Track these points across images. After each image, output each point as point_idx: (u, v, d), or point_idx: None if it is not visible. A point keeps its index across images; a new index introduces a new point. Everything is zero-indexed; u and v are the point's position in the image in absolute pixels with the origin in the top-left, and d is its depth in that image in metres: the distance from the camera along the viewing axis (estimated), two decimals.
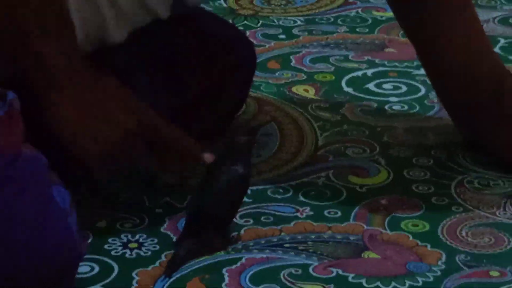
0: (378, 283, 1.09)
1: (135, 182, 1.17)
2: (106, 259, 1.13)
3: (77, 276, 1.05)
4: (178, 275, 1.10)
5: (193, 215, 1.13)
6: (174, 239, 1.17)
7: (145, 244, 1.16)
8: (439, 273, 1.11)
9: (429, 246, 1.16)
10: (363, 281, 1.09)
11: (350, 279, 1.10)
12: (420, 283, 1.09)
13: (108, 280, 1.09)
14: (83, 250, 1.02)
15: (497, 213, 1.23)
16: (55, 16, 1.05)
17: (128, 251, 1.14)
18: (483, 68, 1.32)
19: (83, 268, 1.10)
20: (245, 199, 1.24)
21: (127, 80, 1.21)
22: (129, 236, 1.17)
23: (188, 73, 1.33)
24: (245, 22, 1.77)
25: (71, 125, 1.06)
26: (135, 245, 1.16)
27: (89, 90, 1.08)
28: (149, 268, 1.11)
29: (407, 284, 1.09)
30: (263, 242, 1.13)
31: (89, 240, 1.15)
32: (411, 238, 1.18)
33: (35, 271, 0.93)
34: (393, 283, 1.09)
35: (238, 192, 1.12)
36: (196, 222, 1.13)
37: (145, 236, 1.17)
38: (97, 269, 1.10)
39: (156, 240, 1.16)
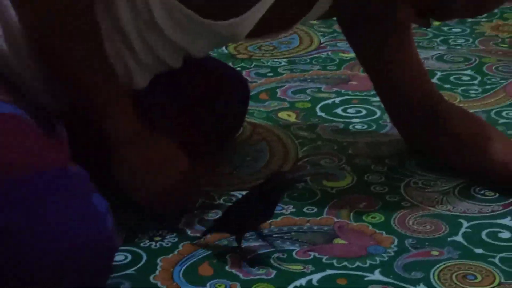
0: (346, 263, 1.09)
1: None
2: (136, 249, 1.12)
3: (114, 263, 1.05)
4: (191, 261, 1.11)
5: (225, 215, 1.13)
6: (189, 233, 1.17)
7: (167, 237, 1.15)
8: (392, 253, 1.11)
9: (384, 233, 1.16)
10: (334, 261, 1.09)
11: (324, 260, 1.10)
12: (378, 262, 1.09)
13: (138, 266, 1.09)
14: (118, 243, 1.02)
15: (436, 206, 1.23)
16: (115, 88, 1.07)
17: (153, 243, 1.14)
18: (422, 93, 1.33)
19: (119, 257, 1.09)
20: None
21: (145, 115, 1.21)
22: (154, 232, 1.17)
23: (197, 105, 1.33)
24: (242, 64, 1.76)
25: (135, 177, 1.08)
26: (159, 238, 1.15)
27: (147, 148, 1.10)
28: (170, 256, 1.11)
29: (367, 263, 1.09)
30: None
31: (123, 236, 1.13)
32: (370, 227, 1.18)
33: (81, 258, 0.93)
34: (357, 262, 1.09)
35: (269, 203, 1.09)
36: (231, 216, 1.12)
37: (166, 231, 1.17)
38: (129, 257, 1.10)
39: (175, 234, 1.16)
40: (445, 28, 1.94)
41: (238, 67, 1.72)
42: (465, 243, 1.14)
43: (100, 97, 1.04)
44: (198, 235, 1.16)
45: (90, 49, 1.03)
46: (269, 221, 1.14)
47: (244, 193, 1.25)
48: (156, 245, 1.14)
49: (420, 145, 1.37)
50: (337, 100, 1.61)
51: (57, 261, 0.91)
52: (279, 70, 1.76)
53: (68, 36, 1.01)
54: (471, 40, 1.90)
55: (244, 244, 1.11)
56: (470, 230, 1.17)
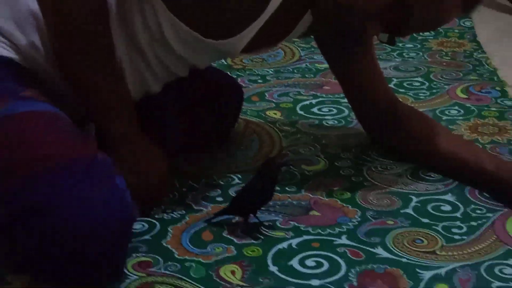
0: (319, 230, 1.09)
1: None
2: (151, 220, 1.12)
3: (133, 230, 1.05)
4: (195, 229, 1.10)
5: (238, 199, 1.12)
6: (194, 206, 1.16)
7: (176, 210, 1.15)
8: (356, 223, 1.11)
9: (350, 206, 1.16)
10: (310, 229, 1.09)
11: (301, 228, 1.10)
12: (345, 229, 1.09)
13: (153, 233, 1.09)
14: (135, 214, 1.02)
15: (391, 185, 1.23)
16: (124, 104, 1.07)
17: (165, 215, 1.13)
18: (382, 96, 1.32)
19: (137, 226, 1.09)
20: (237, 180, 1.25)
21: (158, 115, 1.23)
22: (166, 205, 1.16)
23: (200, 104, 1.33)
24: (237, 72, 1.76)
25: (128, 175, 1.06)
26: (170, 211, 1.15)
27: (137, 153, 1.09)
28: (178, 225, 1.11)
29: (336, 230, 1.09)
30: None
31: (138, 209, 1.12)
32: (339, 202, 1.18)
33: (109, 226, 0.92)
34: (328, 230, 1.09)
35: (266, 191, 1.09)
36: (239, 203, 1.11)
37: (176, 205, 1.16)
38: (146, 226, 1.10)
39: (183, 207, 1.15)
40: (400, 44, 1.94)
41: (234, 75, 1.72)
42: (414, 215, 1.14)
43: (103, 102, 1.04)
44: (202, 208, 1.16)
45: (101, 59, 1.02)
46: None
47: (239, 175, 1.26)
48: (167, 216, 1.13)
49: (380, 137, 1.37)
50: (314, 101, 1.61)
51: (91, 228, 0.91)
52: (267, 77, 1.75)
53: (84, 51, 1.01)
54: (421, 53, 1.90)
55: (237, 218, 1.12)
56: (419, 204, 1.17)
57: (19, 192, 0.92)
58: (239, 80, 1.68)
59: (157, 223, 1.11)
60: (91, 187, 0.93)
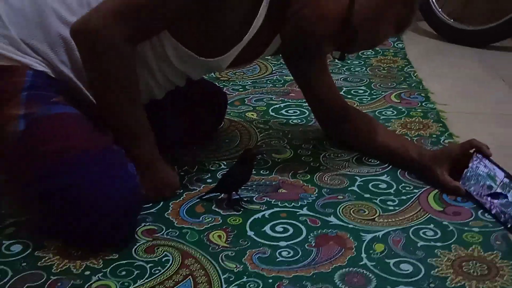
0: (286, 204, 1.10)
1: None
2: None
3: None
4: (190, 204, 1.11)
5: (223, 180, 1.12)
6: (190, 187, 1.16)
7: None
8: (314, 198, 1.13)
9: (309, 185, 1.17)
10: (279, 203, 1.11)
11: (272, 202, 1.11)
12: (305, 203, 1.11)
13: (157, 207, 1.09)
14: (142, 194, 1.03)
15: (341, 169, 1.24)
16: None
17: None
18: (335, 101, 1.33)
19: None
20: (223, 166, 1.25)
21: (161, 115, 1.24)
22: None
23: (193, 108, 1.33)
24: (224, 83, 1.76)
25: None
26: None
27: (156, 174, 1.10)
28: (177, 200, 1.11)
29: (299, 204, 1.10)
30: None
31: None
32: (301, 182, 1.19)
33: (124, 204, 0.94)
34: (293, 203, 1.10)
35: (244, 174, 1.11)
36: (224, 183, 1.11)
37: None
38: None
39: (181, 187, 1.16)
40: (348, 61, 1.95)
41: (221, 85, 1.71)
42: (359, 191, 1.15)
43: (132, 135, 1.06)
44: (195, 188, 1.16)
45: (131, 100, 1.04)
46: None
47: (224, 162, 1.26)
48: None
49: (332, 132, 1.38)
50: (282, 105, 1.61)
51: (109, 201, 0.93)
52: (247, 87, 1.75)
53: (119, 97, 1.03)
54: (364, 68, 1.91)
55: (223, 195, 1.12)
56: (362, 183, 1.18)
57: (54, 173, 0.94)
58: (224, 89, 1.68)
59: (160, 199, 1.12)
60: (108, 170, 0.95)
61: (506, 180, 1.07)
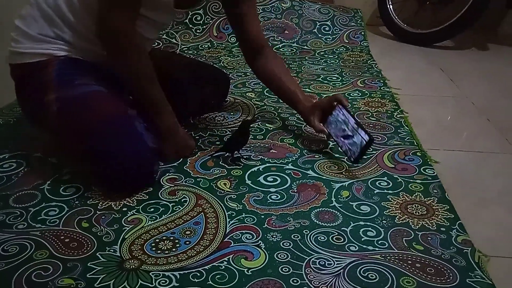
0: (275, 160, 1.10)
1: None
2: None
3: (161, 167, 1.05)
4: (203, 160, 1.10)
5: (228, 143, 1.11)
6: (202, 147, 1.15)
7: None
8: (297, 156, 1.12)
9: (294, 147, 1.17)
10: (270, 160, 1.10)
11: (265, 159, 1.11)
12: (290, 160, 1.10)
13: (178, 162, 1.09)
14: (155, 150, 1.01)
15: (318, 136, 1.21)
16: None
17: None
18: (256, 39, 1.22)
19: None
20: (228, 132, 1.24)
21: (181, 92, 1.20)
22: None
23: (206, 87, 1.31)
24: (230, 71, 1.72)
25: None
26: None
27: (176, 137, 1.07)
28: (193, 157, 1.11)
29: (285, 161, 1.10)
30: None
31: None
32: (287, 145, 1.18)
33: (140, 160, 0.94)
34: (281, 160, 1.10)
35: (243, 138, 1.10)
36: (229, 145, 1.11)
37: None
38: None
39: (196, 147, 1.14)
40: (325, 55, 1.92)
41: (228, 71, 1.68)
42: (331, 152, 1.15)
43: (156, 107, 1.03)
44: (207, 148, 1.15)
45: (151, 82, 1.01)
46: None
47: (229, 129, 1.25)
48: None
49: (251, 66, 1.27)
50: None
51: (131, 157, 0.93)
52: (247, 73, 1.71)
53: (143, 85, 1.00)
54: (337, 61, 1.87)
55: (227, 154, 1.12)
56: (333, 146, 1.17)
57: (90, 138, 0.93)
58: (230, 75, 1.66)
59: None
60: (121, 133, 0.94)
61: (355, 126, 1.07)
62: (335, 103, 1.14)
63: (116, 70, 1.00)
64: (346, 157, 1.09)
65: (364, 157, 1.09)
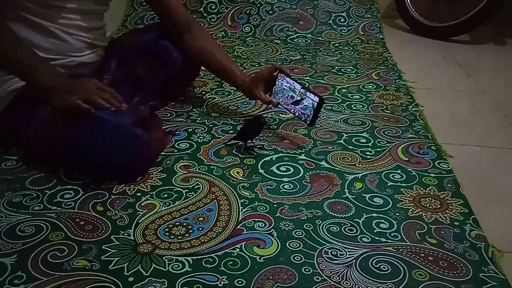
0: (288, 151, 1.10)
1: None
2: (191, 141, 1.12)
3: (181, 148, 1.04)
4: (216, 148, 1.10)
5: (241, 132, 1.10)
6: (216, 135, 1.15)
7: (205, 137, 1.14)
8: (310, 147, 1.12)
9: (307, 138, 1.16)
10: (283, 150, 1.10)
11: (278, 149, 1.10)
12: (304, 151, 1.10)
13: (192, 149, 1.09)
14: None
15: (332, 127, 1.22)
16: None
17: (199, 139, 1.13)
18: (181, 18, 1.17)
19: (182, 145, 1.10)
20: (241, 121, 1.24)
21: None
22: (199, 134, 1.15)
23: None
24: (243, 60, 1.71)
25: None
26: (202, 136, 1.14)
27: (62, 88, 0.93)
28: (207, 145, 1.11)
29: (299, 151, 1.10)
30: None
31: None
32: (301, 135, 1.17)
33: (126, 144, 0.90)
34: (294, 150, 1.10)
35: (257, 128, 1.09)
36: (242, 134, 1.10)
37: (205, 134, 1.16)
38: (188, 145, 1.10)
39: (209, 135, 1.15)
40: (340, 47, 1.91)
41: (242, 61, 1.68)
42: (344, 144, 1.14)
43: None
44: (220, 136, 1.15)
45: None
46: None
47: (242, 119, 1.25)
48: (199, 140, 1.14)
49: (180, 45, 1.20)
50: None
51: (117, 148, 0.90)
52: (261, 63, 1.70)
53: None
54: (352, 53, 1.84)
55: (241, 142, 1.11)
56: (347, 138, 1.17)
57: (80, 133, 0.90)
58: (243, 64, 1.65)
59: (194, 143, 1.12)
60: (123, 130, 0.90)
61: (302, 90, 1.09)
62: (276, 72, 1.13)
63: None
64: (301, 121, 1.11)
65: (378, 149, 1.09)
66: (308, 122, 1.08)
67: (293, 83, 1.11)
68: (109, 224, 0.83)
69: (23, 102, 0.98)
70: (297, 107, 1.10)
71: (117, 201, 0.89)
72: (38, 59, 0.94)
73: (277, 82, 1.15)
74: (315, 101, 1.06)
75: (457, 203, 0.93)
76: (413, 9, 2.19)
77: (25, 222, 0.83)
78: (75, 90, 0.89)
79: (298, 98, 1.10)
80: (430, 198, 0.94)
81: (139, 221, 0.84)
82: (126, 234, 0.81)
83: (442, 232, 0.84)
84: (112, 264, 0.74)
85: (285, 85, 1.13)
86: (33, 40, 0.98)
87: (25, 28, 0.98)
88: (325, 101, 1.21)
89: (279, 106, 1.15)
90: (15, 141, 1.03)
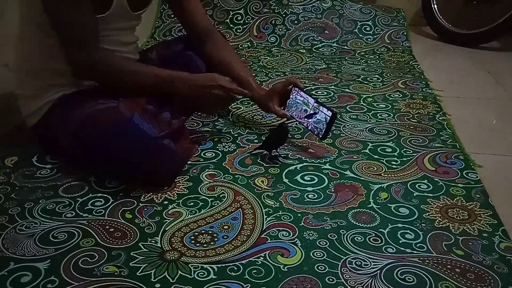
0: (313, 160, 1.10)
1: None
2: (217, 151, 1.13)
3: (207, 157, 1.06)
4: (241, 157, 1.11)
5: (266, 141, 1.11)
6: (241, 144, 1.16)
7: (231, 146, 1.16)
8: (335, 156, 1.12)
9: (332, 147, 1.16)
10: (308, 159, 1.10)
11: (303, 158, 1.11)
12: (328, 160, 1.10)
13: (217, 158, 1.11)
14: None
15: (357, 136, 1.21)
16: None
17: (225, 148, 1.15)
18: (202, 26, 1.20)
19: (208, 154, 1.11)
20: (266, 130, 1.24)
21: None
22: (225, 143, 1.17)
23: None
24: (269, 70, 1.73)
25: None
26: (227, 146, 1.16)
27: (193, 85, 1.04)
28: (232, 154, 1.12)
29: (323, 160, 1.10)
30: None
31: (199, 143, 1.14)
32: (325, 145, 1.17)
33: (148, 149, 0.93)
34: (318, 160, 1.10)
35: (282, 137, 1.11)
36: (267, 143, 1.11)
37: (231, 143, 1.17)
38: (213, 155, 1.12)
39: (235, 145, 1.17)
40: (365, 56, 1.90)
41: (267, 71, 1.70)
42: (370, 153, 1.14)
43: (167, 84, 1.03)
44: (245, 146, 1.17)
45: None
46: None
47: (267, 128, 1.26)
48: (225, 149, 1.15)
49: (202, 54, 1.21)
50: (313, 87, 1.57)
51: (141, 153, 0.93)
52: (286, 73, 1.72)
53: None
54: (378, 61, 1.84)
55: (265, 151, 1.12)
56: (372, 147, 1.16)
57: (99, 138, 0.95)
58: (269, 74, 1.67)
59: (219, 153, 1.13)
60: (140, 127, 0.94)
61: (316, 104, 1.11)
62: (290, 86, 1.15)
63: (119, 90, 1.01)
64: (313, 135, 1.13)
65: (404, 159, 1.08)
66: (320, 136, 1.09)
67: (306, 97, 1.12)
68: (137, 231, 0.86)
69: (59, 111, 1.03)
70: (310, 120, 1.11)
71: (145, 209, 0.92)
72: (168, 72, 1.03)
73: (291, 96, 1.16)
74: (328, 115, 1.07)
75: (486, 214, 0.91)
76: (440, 16, 2.17)
77: (58, 229, 0.86)
78: (211, 87, 1.03)
79: (312, 112, 1.11)
80: (457, 209, 0.92)
81: (166, 229, 0.86)
82: (153, 242, 0.83)
83: (469, 243, 0.83)
84: (140, 271, 0.76)
85: (299, 99, 1.14)
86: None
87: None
88: (350, 111, 1.22)
89: (293, 119, 1.16)
90: (53, 149, 1.09)
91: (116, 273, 0.76)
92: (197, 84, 1.03)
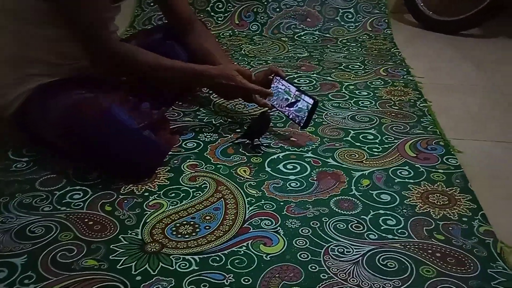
0: (295, 148, 1.10)
1: None
2: (198, 141, 1.12)
3: (188, 148, 1.05)
4: (223, 147, 1.11)
5: (248, 130, 1.11)
6: (223, 133, 1.16)
7: (213, 136, 1.15)
8: (317, 144, 1.12)
9: (314, 135, 1.16)
10: (290, 148, 1.10)
11: (285, 147, 1.10)
12: (310, 148, 1.10)
13: (199, 148, 1.10)
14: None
15: (339, 124, 1.21)
16: None
17: (205, 137, 1.14)
18: (184, 14, 1.20)
19: (189, 144, 1.10)
20: (248, 119, 1.24)
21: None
22: (207, 133, 1.16)
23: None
24: (251, 59, 1.71)
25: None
26: (209, 135, 1.15)
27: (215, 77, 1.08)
28: (213, 144, 1.11)
29: (305, 149, 1.10)
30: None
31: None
32: (307, 133, 1.17)
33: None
34: (301, 148, 1.10)
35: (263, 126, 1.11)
36: (249, 132, 1.11)
37: (213, 133, 1.16)
38: (195, 144, 1.11)
39: (217, 134, 1.16)
40: (347, 43, 1.90)
41: (249, 60, 1.68)
42: (352, 141, 1.14)
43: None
44: (227, 135, 1.16)
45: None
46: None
47: (249, 117, 1.25)
48: (206, 139, 1.14)
49: (184, 42, 1.21)
50: (295, 76, 1.57)
51: (118, 143, 0.93)
52: (268, 61, 1.70)
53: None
54: (360, 49, 1.84)
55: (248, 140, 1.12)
56: (354, 135, 1.16)
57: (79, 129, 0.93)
58: (251, 63, 1.65)
59: (201, 143, 1.12)
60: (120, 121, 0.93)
61: (297, 92, 1.10)
62: (271, 75, 1.15)
63: (148, 82, 1.04)
64: (295, 123, 1.11)
65: (386, 146, 1.08)
66: (301, 125, 1.08)
67: (288, 86, 1.12)
68: (117, 224, 0.85)
69: (37, 99, 1.00)
70: (291, 109, 1.10)
71: (125, 201, 0.91)
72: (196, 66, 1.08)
73: (272, 85, 1.15)
74: (309, 103, 1.06)
75: (466, 199, 0.92)
76: (421, 4, 2.17)
77: (35, 223, 0.85)
78: (231, 78, 1.07)
79: (293, 101, 1.10)
80: (438, 194, 0.93)
81: (147, 221, 0.85)
82: (134, 234, 0.82)
83: (450, 228, 0.84)
84: (120, 264, 0.75)
85: (280, 88, 1.13)
86: (48, 44, 0.99)
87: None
88: (332, 99, 1.21)
89: (274, 108, 1.16)
90: (32, 136, 1.07)
91: (95, 267, 0.75)
92: (221, 82, 1.08)
